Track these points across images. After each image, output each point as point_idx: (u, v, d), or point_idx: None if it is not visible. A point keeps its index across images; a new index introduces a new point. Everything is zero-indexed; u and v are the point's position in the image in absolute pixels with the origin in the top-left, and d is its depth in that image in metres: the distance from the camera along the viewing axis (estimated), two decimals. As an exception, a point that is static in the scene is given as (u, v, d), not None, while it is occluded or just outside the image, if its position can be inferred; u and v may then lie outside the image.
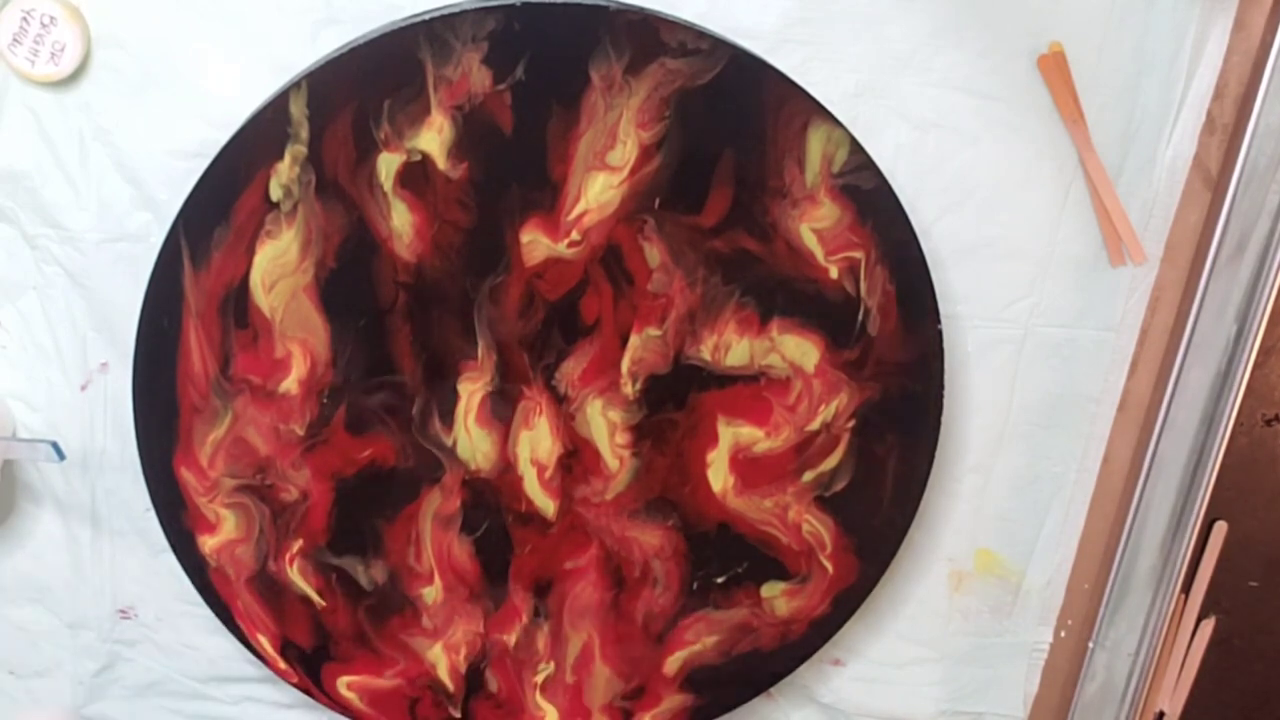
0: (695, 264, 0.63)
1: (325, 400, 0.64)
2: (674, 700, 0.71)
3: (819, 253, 0.63)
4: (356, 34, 0.61)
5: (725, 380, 0.65)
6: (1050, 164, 0.67)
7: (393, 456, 0.65)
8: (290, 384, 0.63)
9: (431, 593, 0.68)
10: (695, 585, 0.69)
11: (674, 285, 0.63)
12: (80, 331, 0.68)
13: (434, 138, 0.60)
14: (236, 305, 0.62)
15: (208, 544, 0.67)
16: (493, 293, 0.63)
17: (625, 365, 0.65)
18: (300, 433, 0.64)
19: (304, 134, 0.60)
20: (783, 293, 0.64)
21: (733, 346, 0.65)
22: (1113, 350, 0.71)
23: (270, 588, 0.68)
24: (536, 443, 0.66)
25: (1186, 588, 0.73)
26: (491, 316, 0.63)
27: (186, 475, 0.65)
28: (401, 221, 0.61)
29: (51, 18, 0.60)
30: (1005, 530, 0.75)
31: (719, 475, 0.67)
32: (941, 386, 0.67)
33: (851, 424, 0.66)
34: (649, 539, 0.68)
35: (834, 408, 0.66)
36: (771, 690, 0.74)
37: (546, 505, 0.67)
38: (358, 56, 0.59)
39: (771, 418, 0.66)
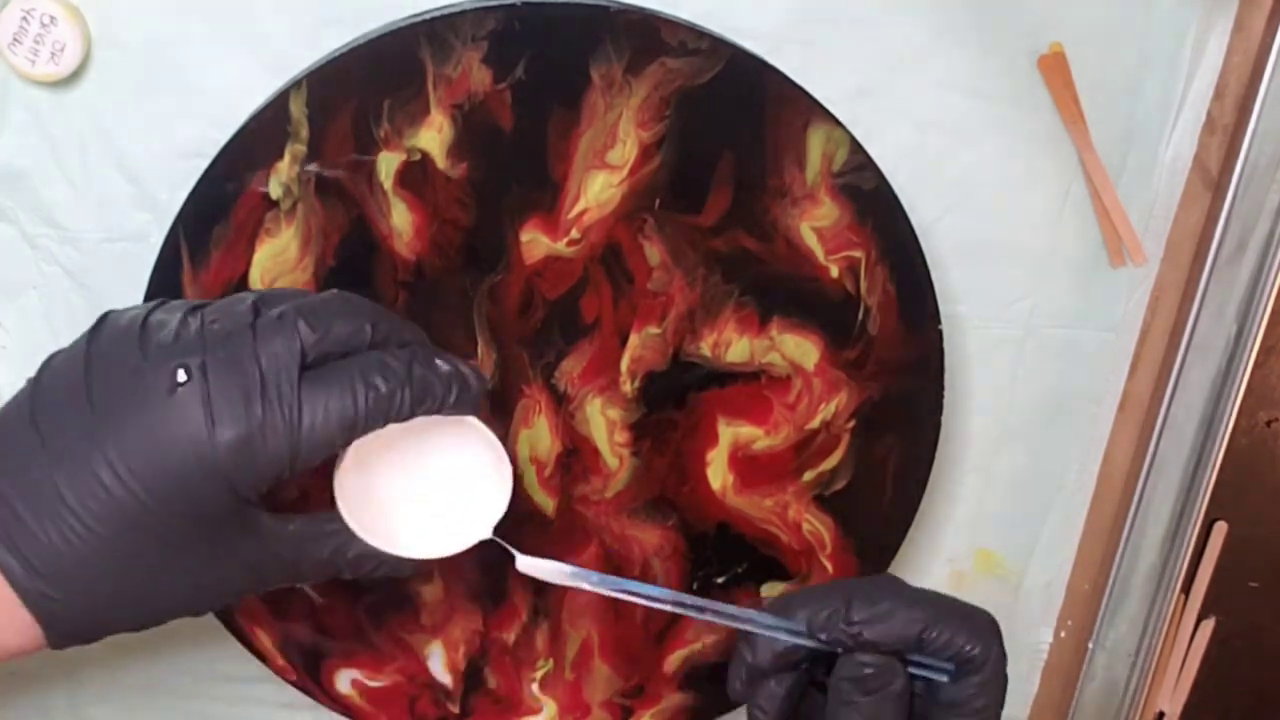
0: (695, 263, 0.63)
1: (325, 398, 0.64)
2: (673, 699, 0.71)
3: (819, 252, 0.63)
4: (356, 34, 0.61)
5: (725, 379, 0.65)
6: (1050, 164, 0.67)
7: (392, 455, 0.65)
8: (289, 382, 0.63)
9: (431, 591, 0.68)
10: (695, 585, 0.69)
11: (674, 284, 0.64)
12: (80, 331, 0.67)
13: (434, 137, 0.60)
14: (236, 303, 0.62)
15: (207, 541, 0.67)
16: (492, 291, 0.63)
17: (625, 364, 0.65)
18: (299, 431, 0.64)
19: (304, 133, 0.60)
20: (783, 292, 0.64)
21: (732, 344, 0.65)
22: (1113, 351, 0.71)
23: (269, 586, 0.68)
24: (536, 441, 0.66)
25: (1186, 588, 0.73)
26: (491, 315, 0.63)
27: (185, 471, 0.65)
28: (401, 220, 0.61)
29: (52, 17, 0.60)
30: (1005, 530, 0.75)
31: (718, 474, 0.67)
32: (941, 386, 0.67)
33: (851, 423, 0.66)
34: (648, 538, 0.68)
35: (834, 407, 0.66)
36: (771, 691, 0.74)
37: (546, 503, 0.67)
38: (358, 56, 0.59)
39: (771, 416, 0.66)
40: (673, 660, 0.71)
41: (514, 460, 0.65)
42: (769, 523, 0.68)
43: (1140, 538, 0.73)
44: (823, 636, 0.54)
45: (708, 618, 0.57)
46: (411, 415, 0.51)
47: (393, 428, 0.52)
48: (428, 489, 0.57)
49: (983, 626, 0.54)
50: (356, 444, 0.52)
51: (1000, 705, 0.55)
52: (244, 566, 0.55)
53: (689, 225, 0.63)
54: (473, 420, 0.55)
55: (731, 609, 0.57)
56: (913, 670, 0.55)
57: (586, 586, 0.59)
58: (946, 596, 0.56)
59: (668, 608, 0.58)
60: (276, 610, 0.68)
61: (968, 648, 0.53)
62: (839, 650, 0.54)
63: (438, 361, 0.52)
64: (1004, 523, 0.75)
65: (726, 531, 0.68)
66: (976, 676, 0.54)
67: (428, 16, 0.58)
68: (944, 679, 0.54)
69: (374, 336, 0.52)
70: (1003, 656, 0.54)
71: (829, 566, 0.69)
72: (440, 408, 0.52)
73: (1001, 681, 0.54)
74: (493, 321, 0.64)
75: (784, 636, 0.55)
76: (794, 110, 0.61)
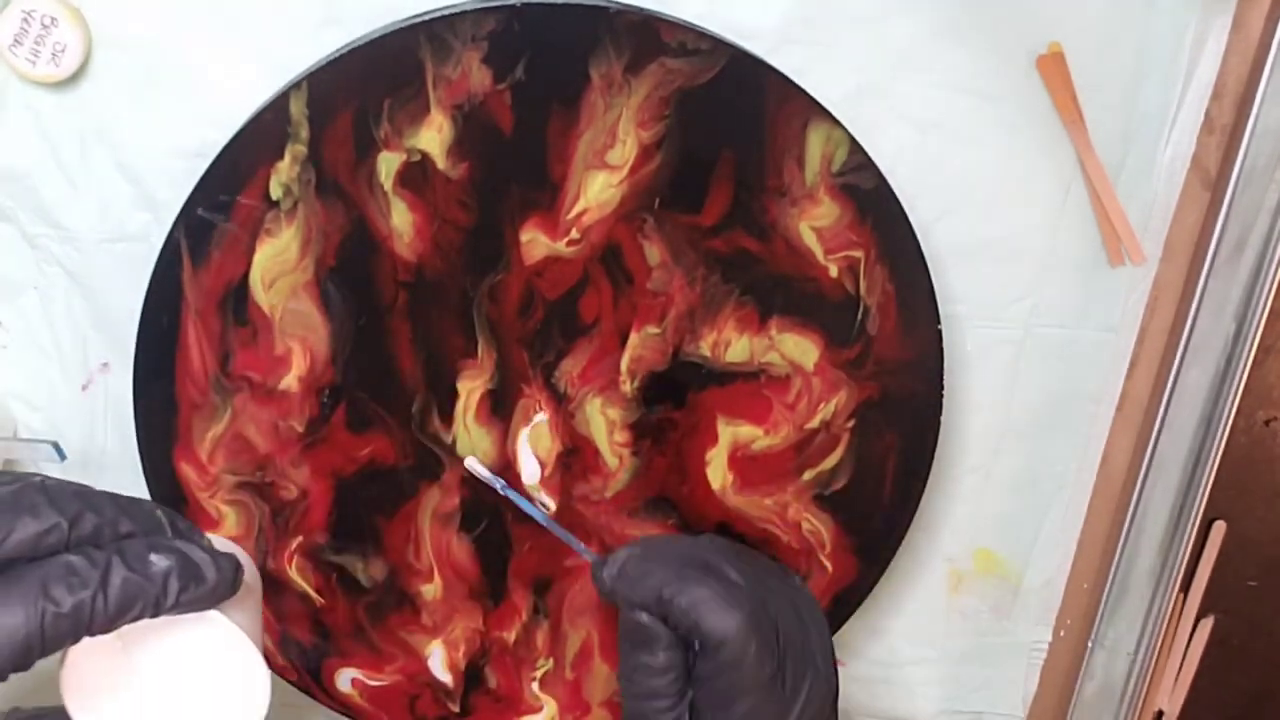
0: (695, 263, 0.63)
1: (325, 398, 0.64)
2: (673, 699, 0.71)
3: (818, 251, 0.63)
4: (356, 34, 0.61)
5: (725, 378, 0.65)
6: (1050, 164, 0.67)
7: (392, 454, 0.65)
8: (290, 381, 0.64)
9: (431, 590, 0.68)
10: (695, 584, 0.69)
11: (673, 284, 0.64)
12: (81, 331, 0.68)
13: (434, 137, 0.60)
14: (236, 303, 0.62)
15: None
16: (492, 291, 0.63)
17: (624, 363, 0.65)
18: (300, 430, 0.65)
19: (304, 133, 0.60)
20: (782, 291, 0.64)
21: (732, 344, 0.65)
22: (1112, 350, 0.71)
23: (270, 585, 0.68)
24: (536, 441, 0.66)
25: (1185, 587, 0.73)
26: (491, 315, 0.64)
27: (187, 470, 0.65)
28: (401, 220, 0.62)
29: (53, 19, 0.60)
30: (1005, 530, 0.75)
31: (718, 473, 0.67)
32: (941, 386, 0.67)
33: (851, 423, 0.66)
34: (648, 538, 0.68)
35: (833, 406, 0.66)
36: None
37: (546, 503, 0.67)
38: (358, 56, 0.59)
39: (771, 415, 0.66)
40: (673, 659, 0.71)
41: (516, 465, 0.66)
42: (769, 522, 0.68)
43: (1139, 537, 0.73)
44: (602, 589, 0.58)
45: (560, 533, 0.64)
46: (115, 625, 0.45)
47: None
48: (169, 690, 0.50)
49: (726, 609, 0.53)
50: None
51: (748, 697, 0.54)
52: None
53: (689, 225, 0.63)
54: (215, 615, 0.49)
55: (578, 545, 0.64)
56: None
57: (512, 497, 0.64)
58: (727, 573, 0.56)
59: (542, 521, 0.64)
60: (277, 610, 0.68)
61: (701, 625, 0.53)
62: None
63: (152, 558, 0.45)
64: (1003, 522, 0.75)
65: (726, 531, 0.68)
66: (713, 658, 0.53)
67: (428, 17, 0.58)
68: (695, 647, 0.55)
69: (74, 533, 0.45)
70: (745, 648, 0.53)
71: (828, 566, 0.69)
72: (159, 610, 0.45)
73: (745, 673, 0.53)
74: (493, 321, 0.64)
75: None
76: (793, 110, 0.61)
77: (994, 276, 0.69)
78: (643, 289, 0.64)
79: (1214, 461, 0.70)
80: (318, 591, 0.68)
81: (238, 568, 0.49)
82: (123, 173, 0.64)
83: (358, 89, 0.59)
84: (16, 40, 0.60)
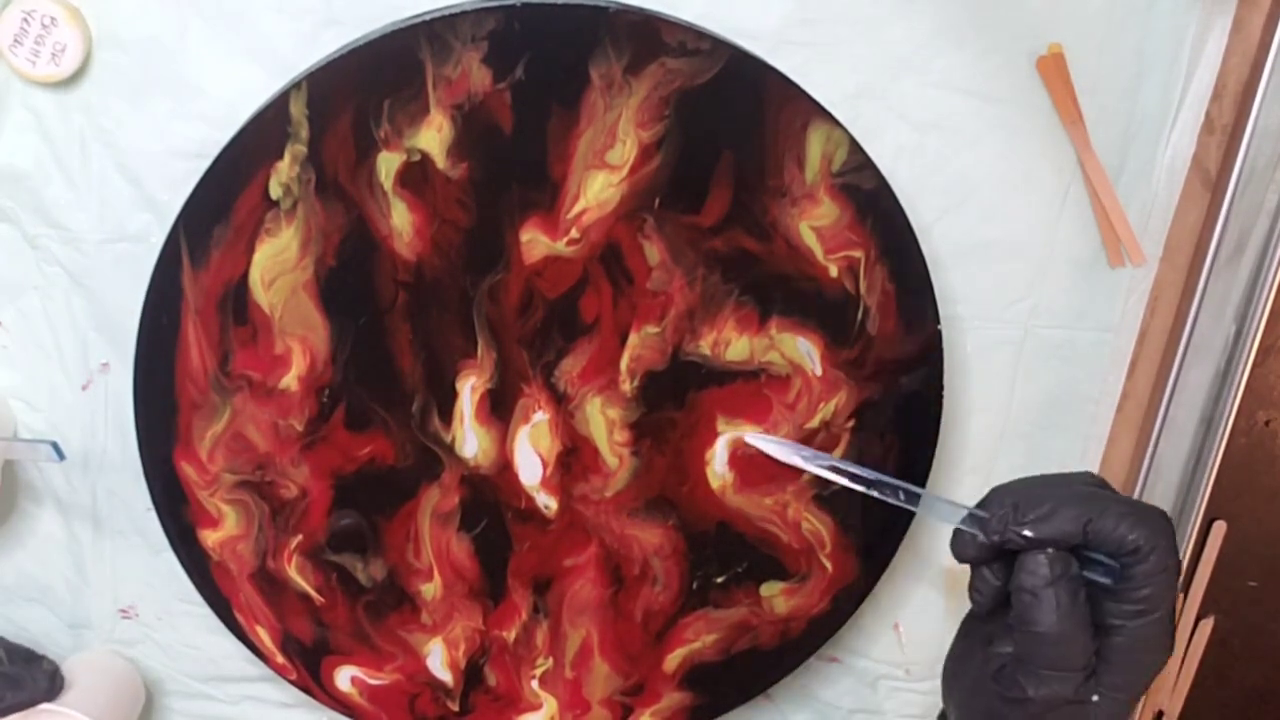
0: (695, 262, 0.63)
1: (325, 398, 0.64)
2: (674, 698, 0.71)
3: (818, 251, 0.63)
4: (356, 34, 0.61)
5: (725, 378, 0.65)
6: (1049, 165, 0.67)
7: (392, 454, 0.66)
8: (290, 380, 0.64)
9: (431, 589, 0.68)
10: (695, 585, 0.69)
11: (673, 284, 0.64)
12: (81, 331, 0.68)
13: (434, 137, 0.60)
14: (236, 302, 0.62)
15: (209, 539, 0.67)
16: (492, 291, 0.63)
17: (624, 363, 0.65)
18: (299, 429, 0.65)
19: (304, 134, 0.60)
20: (782, 291, 0.64)
21: (732, 343, 0.65)
22: (1112, 351, 0.71)
23: (270, 584, 0.68)
24: (536, 440, 0.66)
25: (1185, 587, 0.73)
26: (491, 315, 0.64)
27: (187, 469, 0.65)
28: (401, 220, 0.62)
29: (52, 19, 0.60)
30: (1004, 530, 0.75)
31: (718, 473, 0.67)
32: (941, 386, 0.67)
33: (851, 423, 0.66)
34: (648, 537, 0.68)
35: (833, 406, 0.66)
36: (770, 690, 0.74)
37: (547, 503, 0.67)
38: (358, 56, 0.59)
39: (771, 415, 0.66)
40: (672, 659, 0.71)
41: (515, 464, 0.66)
42: (768, 522, 0.68)
43: (1139, 537, 0.73)
44: (996, 539, 0.55)
45: (903, 503, 0.60)
46: None
47: None
48: None
49: (1148, 518, 0.54)
50: None
51: (1169, 597, 0.54)
52: None
53: (689, 225, 0.63)
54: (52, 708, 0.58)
55: (929, 497, 0.59)
56: (1087, 574, 0.55)
57: (799, 462, 0.60)
58: (1118, 494, 0.56)
59: (862, 489, 0.60)
60: (276, 608, 0.69)
61: (1131, 537, 0.53)
62: (1015, 549, 0.55)
63: None
64: (1003, 522, 0.75)
65: (726, 530, 0.68)
66: (1141, 565, 0.53)
67: (428, 17, 0.59)
68: (1108, 580, 0.54)
69: None
70: (1171, 550, 0.54)
71: (828, 565, 0.69)
72: None
73: (1170, 575, 0.54)
74: (493, 321, 0.64)
75: (969, 534, 0.56)
76: (794, 110, 0.61)
77: (994, 276, 0.69)
78: (642, 289, 0.64)
79: (1214, 461, 0.70)
80: (318, 591, 0.68)
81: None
82: (123, 173, 0.64)
83: (358, 89, 0.59)
84: (16, 40, 0.60)
